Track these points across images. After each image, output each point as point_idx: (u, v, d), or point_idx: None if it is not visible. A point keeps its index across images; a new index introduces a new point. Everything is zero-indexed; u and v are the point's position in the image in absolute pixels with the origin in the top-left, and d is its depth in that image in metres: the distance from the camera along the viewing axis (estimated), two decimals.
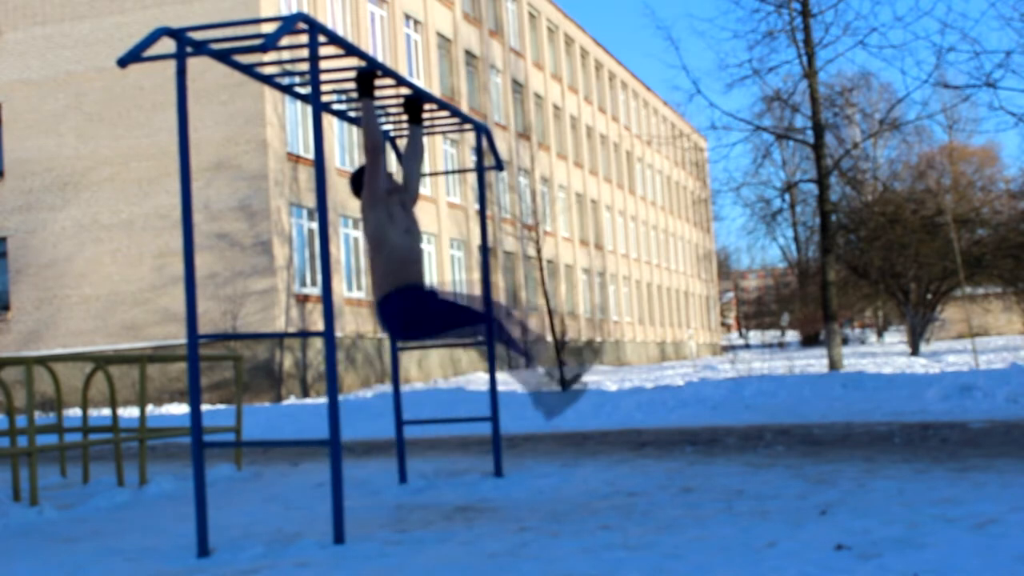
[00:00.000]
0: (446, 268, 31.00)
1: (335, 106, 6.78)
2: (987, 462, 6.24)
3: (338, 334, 24.43)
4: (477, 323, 5.66)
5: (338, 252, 25.35)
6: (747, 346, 74.36)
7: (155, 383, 22.77)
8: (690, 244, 64.48)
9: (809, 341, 63.63)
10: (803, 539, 4.22)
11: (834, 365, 19.41)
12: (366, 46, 27.24)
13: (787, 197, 32.31)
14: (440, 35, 32.49)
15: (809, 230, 51.34)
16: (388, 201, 5.47)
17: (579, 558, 4.12)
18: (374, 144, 5.38)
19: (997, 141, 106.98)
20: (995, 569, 3.56)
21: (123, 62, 4.70)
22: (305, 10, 24.88)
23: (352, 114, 6.76)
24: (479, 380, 25.99)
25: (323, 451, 9.07)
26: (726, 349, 66.86)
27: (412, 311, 5.40)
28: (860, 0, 36.09)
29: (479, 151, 7.14)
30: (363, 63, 5.51)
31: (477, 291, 5.85)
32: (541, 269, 20.64)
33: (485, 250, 7.14)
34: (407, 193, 5.79)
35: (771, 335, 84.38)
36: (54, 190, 24.31)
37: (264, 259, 22.67)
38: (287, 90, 6.21)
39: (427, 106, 6.56)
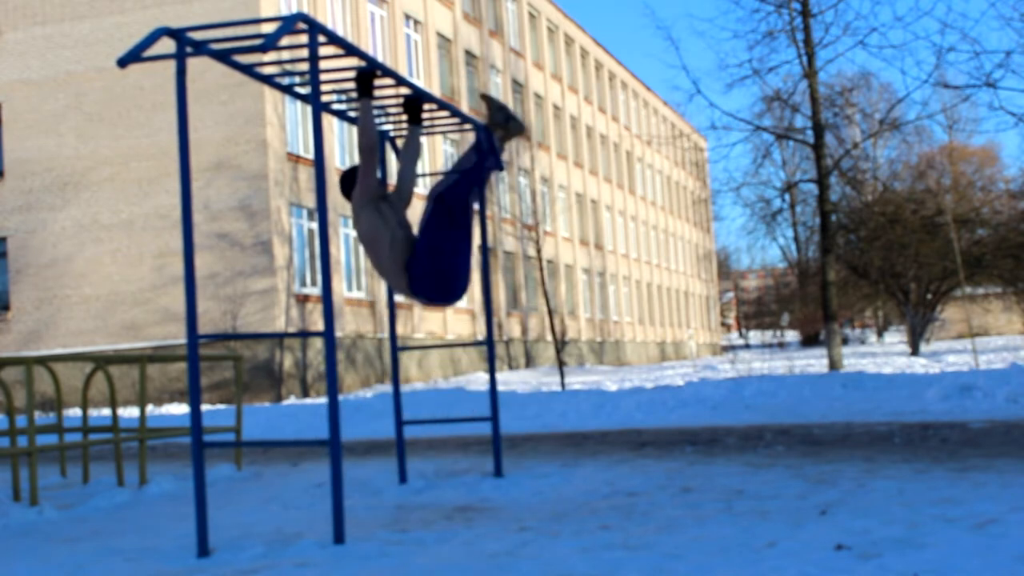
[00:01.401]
0: None
1: (335, 106, 6.78)
2: (987, 462, 6.24)
3: (338, 334, 24.43)
4: (482, 173, 5.56)
5: (338, 252, 25.35)
6: (747, 346, 74.33)
7: (155, 383, 22.76)
8: (690, 244, 64.48)
9: (809, 341, 63.62)
10: (803, 539, 4.22)
11: (834, 365, 19.41)
12: (366, 46, 27.24)
13: (787, 197, 32.30)
14: (440, 35, 32.49)
15: (809, 230, 51.33)
16: (378, 202, 5.46)
17: (579, 558, 4.12)
18: (369, 144, 5.38)
19: (997, 141, 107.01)
20: (995, 569, 3.56)
21: (123, 62, 4.70)
22: (305, 10, 24.88)
23: (352, 114, 6.76)
24: (479, 380, 25.98)
25: (323, 451, 9.07)
26: (726, 349, 66.85)
27: (436, 246, 5.29)
28: (860, 0, 36.11)
29: (479, 151, 7.13)
30: (363, 63, 5.51)
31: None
32: (541, 269, 20.65)
33: (485, 250, 7.14)
34: (399, 194, 5.78)
35: (771, 335, 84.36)
36: (54, 190, 24.31)
37: (264, 259, 22.67)
38: (287, 90, 6.21)
39: (427, 106, 6.55)
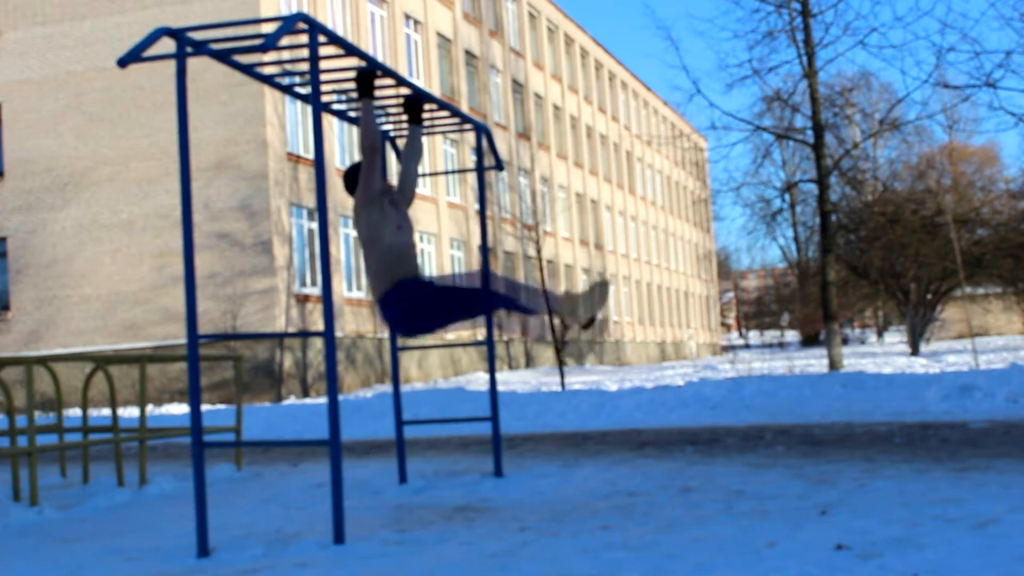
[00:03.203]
0: (446, 268, 31.00)
1: (335, 106, 6.78)
2: (987, 462, 6.24)
3: (338, 334, 24.43)
4: (481, 306, 5.58)
5: (338, 252, 25.35)
6: (747, 346, 74.33)
7: (155, 383, 22.76)
8: (690, 244, 64.48)
9: (809, 341, 63.60)
10: (803, 539, 4.22)
11: (834, 365, 19.40)
12: (366, 46, 27.24)
13: (787, 197, 32.33)
14: (440, 35, 32.49)
15: (809, 230, 51.33)
16: (381, 200, 5.45)
17: (579, 558, 4.12)
18: (371, 144, 5.37)
19: (997, 141, 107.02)
20: (995, 569, 3.56)
21: (123, 62, 4.70)
22: (305, 10, 24.88)
23: (352, 114, 6.76)
24: (479, 380, 25.98)
25: (323, 451, 9.07)
26: (726, 349, 66.86)
27: (414, 303, 5.33)
28: (860, 0, 36.10)
29: (479, 151, 7.14)
30: (363, 63, 5.50)
31: (475, 273, 5.76)
32: (541, 269, 20.63)
33: (485, 250, 7.14)
34: (402, 193, 5.78)
35: (771, 335, 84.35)
36: (54, 190, 24.31)
37: (264, 259, 22.67)
38: (287, 90, 6.21)
39: (427, 106, 6.55)
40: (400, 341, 5.79)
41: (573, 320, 5.53)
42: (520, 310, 5.36)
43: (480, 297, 5.49)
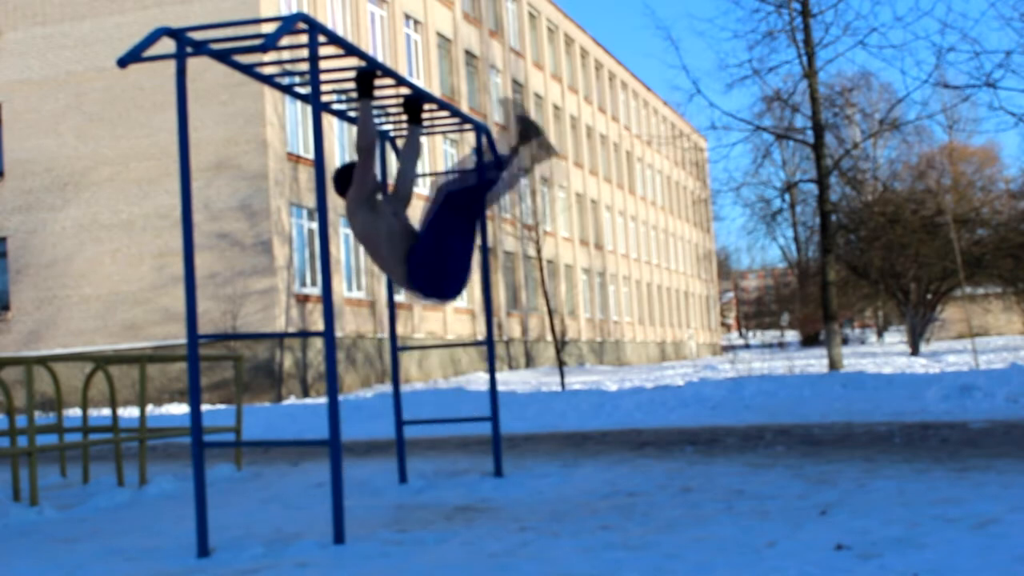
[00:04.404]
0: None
1: (335, 106, 6.78)
2: (987, 462, 6.24)
3: (338, 334, 24.43)
4: (483, 194, 5.48)
5: (338, 252, 25.35)
6: (747, 346, 74.33)
7: (155, 383, 22.76)
8: (690, 244, 64.47)
9: (809, 341, 63.60)
10: (803, 539, 4.22)
11: (834, 365, 19.40)
12: (366, 46, 27.24)
13: (787, 197, 32.32)
14: (440, 35, 32.48)
15: (809, 230, 51.32)
16: (373, 199, 5.43)
17: (579, 558, 4.12)
18: (367, 145, 5.36)
19: (997, 141, 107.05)
20: (995, 569, 3.56)
21: (123, 62, 4.70)
22: (305, 10, 24.87)
23: (352, 114, 6.76)
24: (479, 380, 25.98)
25: (323, 451, 9.06)
26: (726, 349, 66.85)
27: (438, 266, 5.24)
28: (860, 0, 36.10)
29: (479, 151, 7.14)
30: (363, 63, 5.50)
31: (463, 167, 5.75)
32: (541, 269, 20.62)
33: (485, 250, 7.15)
34: (401, 194, 5.76)
35: (771, 335, 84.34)
36: (54, 190, 24.31)
37: (264, 259, 22.67)
38: (287, 90, 6.21)
39: (427, 106, 6.55)
40: (400, 341, 5.73)
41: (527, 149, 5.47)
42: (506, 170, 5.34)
43: (484, 191, 5.42)
